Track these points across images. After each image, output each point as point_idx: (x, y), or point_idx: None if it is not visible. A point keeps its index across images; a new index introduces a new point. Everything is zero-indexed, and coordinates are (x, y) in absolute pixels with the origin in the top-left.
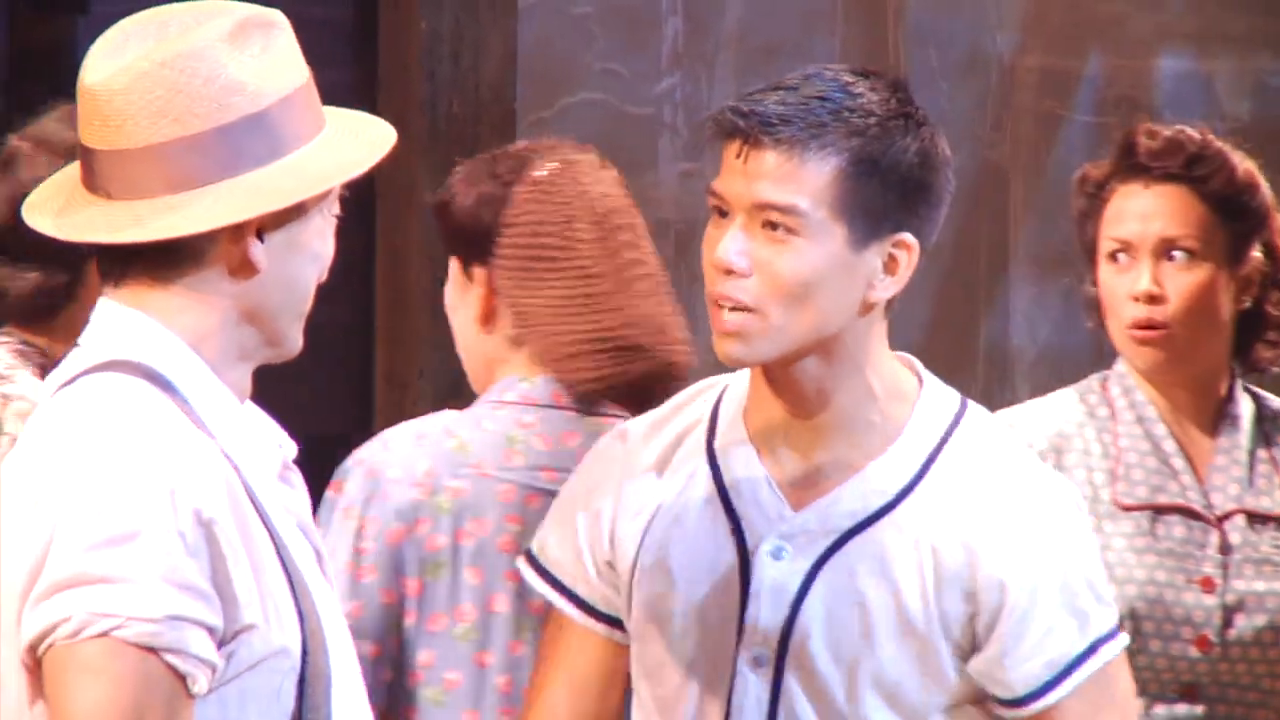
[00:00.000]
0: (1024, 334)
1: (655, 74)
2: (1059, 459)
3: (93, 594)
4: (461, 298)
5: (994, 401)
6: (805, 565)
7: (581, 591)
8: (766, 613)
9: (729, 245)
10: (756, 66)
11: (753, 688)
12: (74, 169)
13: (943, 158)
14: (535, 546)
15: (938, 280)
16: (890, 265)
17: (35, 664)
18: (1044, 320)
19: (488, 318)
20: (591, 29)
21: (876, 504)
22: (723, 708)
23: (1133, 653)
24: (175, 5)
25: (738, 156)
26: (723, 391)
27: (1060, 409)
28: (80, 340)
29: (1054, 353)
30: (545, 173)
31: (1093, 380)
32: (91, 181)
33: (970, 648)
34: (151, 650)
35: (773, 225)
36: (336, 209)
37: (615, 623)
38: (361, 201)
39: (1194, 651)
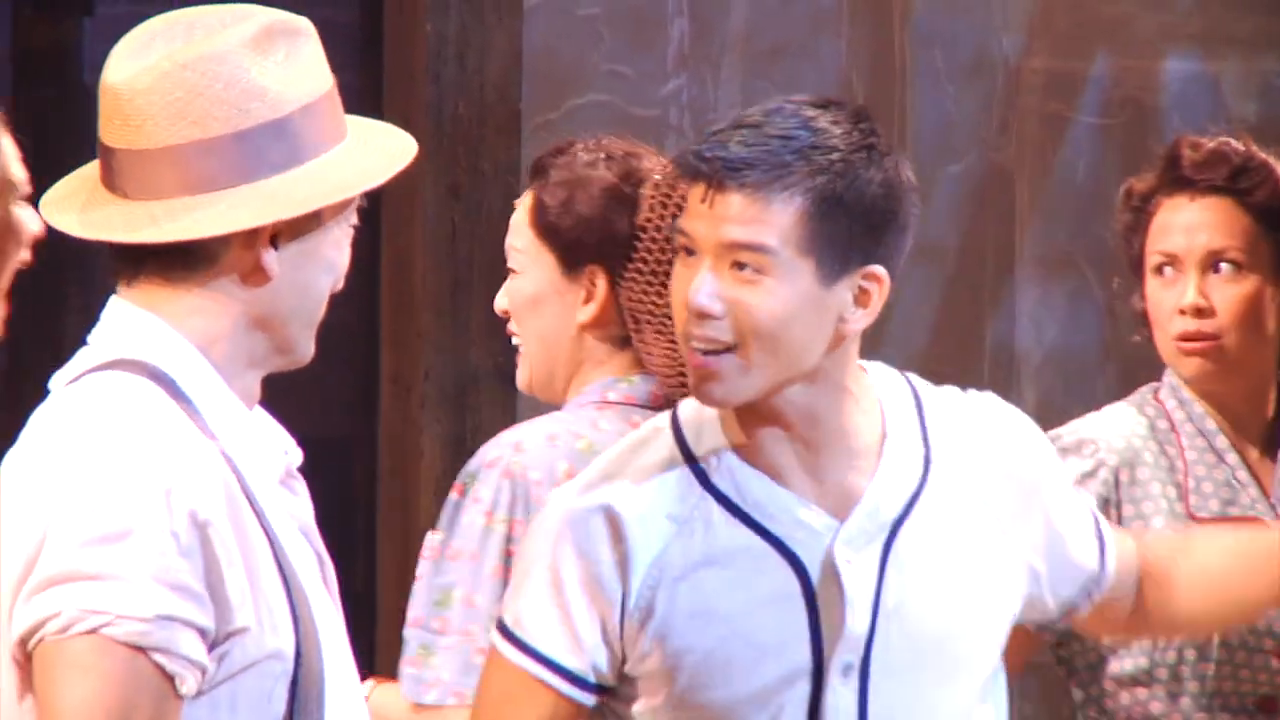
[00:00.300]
0: (1030, 336)
1: (661, 75)
2: (1131, 473)
3: (83, 590)
4: (559, 296)
5: None
6: (873, 566)
7: (569, 663)
8: (860, 619)
9: (700, 289)
10: (762, 68)
11: (843, 698)
12: (93, 167)
13: (907, 185)
14: (509, 620)
15: (943, 282)
16: (861, 298)
17: (25, 659)
18: (1050, 322)
19: (604, 319)
20: (597, 30)
21: (911, 488)
22: None
23: (1216, 663)
24: (205, 7)
25: (703, 201)
26: (675, 429)
27: (1124, 423)
28: (88, 338)
29: (1060, 354)
30: (660, 175)
31: (1145, 393)
32: (110, 180)
33: (1050, 583)
34: (140, 649)
35: (740, 265)
36: (355, 219)
37: (597, 690)
38: (367, 204)
39: (1275, 663)
